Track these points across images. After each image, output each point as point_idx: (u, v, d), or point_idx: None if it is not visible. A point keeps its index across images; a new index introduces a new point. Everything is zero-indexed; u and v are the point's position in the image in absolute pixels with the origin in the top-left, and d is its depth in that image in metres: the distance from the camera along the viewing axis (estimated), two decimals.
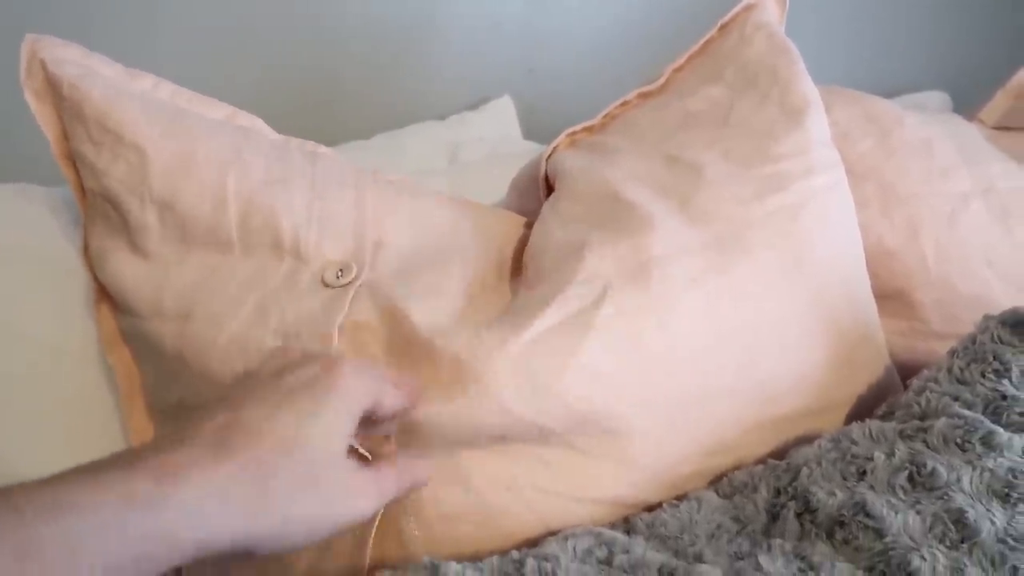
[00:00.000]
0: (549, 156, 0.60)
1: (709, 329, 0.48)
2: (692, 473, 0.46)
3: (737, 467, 0.47)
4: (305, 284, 0.46)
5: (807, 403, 0.50)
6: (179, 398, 0.47)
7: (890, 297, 0.64)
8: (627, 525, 0.42)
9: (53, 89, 0.49)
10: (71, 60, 0.50)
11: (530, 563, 0.36)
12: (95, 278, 0.51)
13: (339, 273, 0.46)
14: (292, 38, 0.87)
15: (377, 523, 0.42)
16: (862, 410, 0.52)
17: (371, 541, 0.41)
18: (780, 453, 0.48)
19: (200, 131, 0.51)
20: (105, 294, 0.51)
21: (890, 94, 1.22)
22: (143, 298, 0.47)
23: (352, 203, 0.50)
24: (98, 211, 0.50)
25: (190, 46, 0.81)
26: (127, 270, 0.48)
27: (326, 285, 0.45)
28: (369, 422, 0.37)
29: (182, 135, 0.50)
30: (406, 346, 0.42)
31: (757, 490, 0.43)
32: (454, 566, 0.35)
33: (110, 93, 0.49)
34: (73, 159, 0.50)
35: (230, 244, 0.48)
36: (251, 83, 0.84)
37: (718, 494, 0.44)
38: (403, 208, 0.52)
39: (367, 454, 0.36)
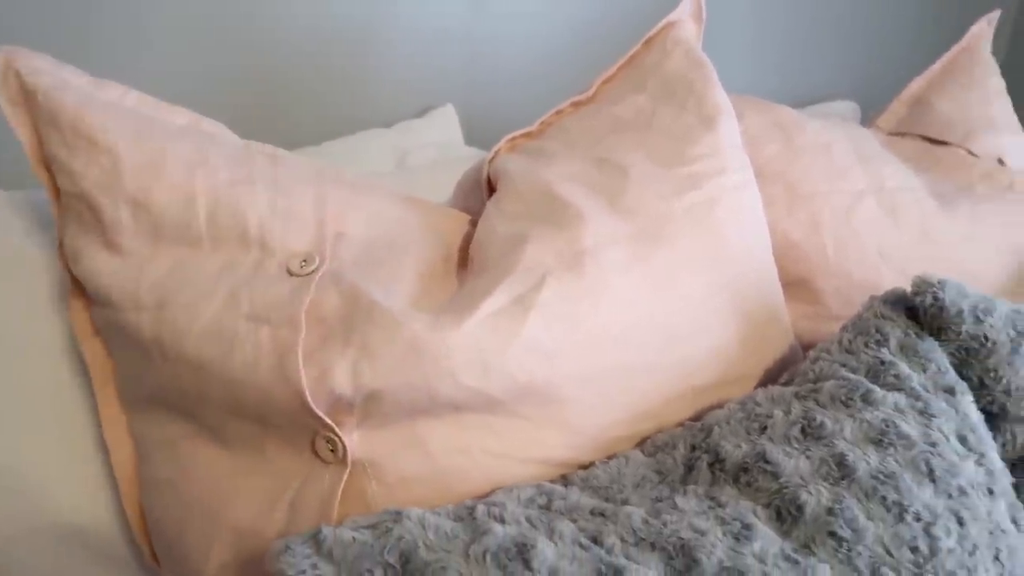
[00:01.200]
0: (491, 160, 0.66)
1: (635, 310, 0.54)
2: (622, 437, 0.53)
3: (660, 430, 0.54)
4: (272, 273, 0.50)
5: (721, 375, 0.57)
6: (156, 385, 0.51)
7: (795, 285, 0.72)
8: (565, 480, 0.48)
9: (28, 97, 0.53)
10: (45, 70, 0.53)
11: (480, 507, 0.41)
12: (69, 274, 0.54)
13: (303, 263, 0.50)
14: (239, 49, 0.90)
15: (343, 485, 0.47)
16: (769, 381, 0.60)
17: (337, 502, 0.46)
18: (697, 418, 0.55)
19: (167, 135, 0.55)
20: (79, 289, 0.55)
21: (803, 104, 1.33)
22: (119, 291, 0.51)
23: (313, 199, 0.54)
24: (72, 212, 0.53)
25: (134, 56, 0.84)
26: (102, 266, 0.52)
27: (291, 274, 0.50)
28: None
29: (151, 139, 0.54)
30: (368, 324, 0.47)
31: (676, 447, 0.50)
32: (415, 510, 0.40)
33: (82, 101, 0.53)
34: (47, 163, 0.53)
35: (200, 239, 0.52)
36: (198, 93, 0.88)
37: (643, 453, 0.51)
38: (360, 204, 0.57)
39: None
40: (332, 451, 0.47)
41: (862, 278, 0.72)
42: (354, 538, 0.37)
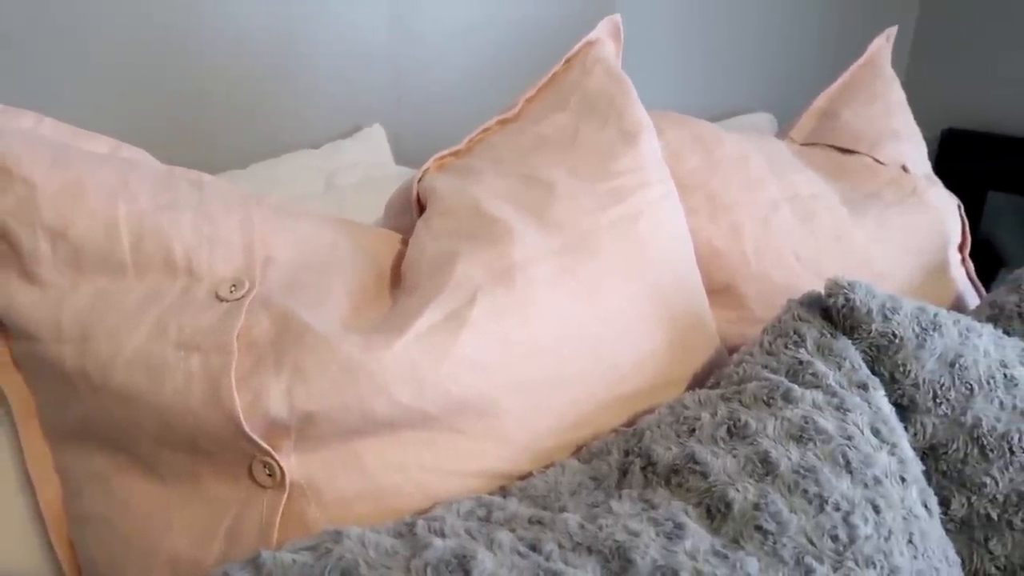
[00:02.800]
0: (420, 179, 0.67)
1: (565, 322, 0.56)
2: (558, 445, 0.54)
3: (595, 438, 0.55)
4: (201, 299, 0.50)
5: (651, 381, 0.59)
6: (83, 418, 0.50)
7: (720, 291, 0.75)
8: (503, 491, 0.49)
9: None
10: None
11: (420, 523, 0.42)
12: None
13: (232, 288, 0.50)
14: (162, 71, 0.89)
15: (281, 510, 0.46)
16: (697, 385, 0.62)
17: (277, 526, 0.46)
18: (630, 423, 0.56)
19: (86, 163, 0.54)
20: None
21: (723, 116, 1.38)
22: (40, 323, 0.50)
23: (239, 224, 0.54)
24: None
25: (55, 80, 0.82)
26: (22, 298, 0.50)
27: (221, 299, 0.50)
28: None
29: (69, 167, 0.53)
30: (301, 347, 0.47)
31: (610, 453, 0.51)
32: (355, 528, 0.40)
33: None
34: None
35: (124, 267, 0.51)
36: (121, 115, 0.86)
37: (579, 460, 0.52)
38: (288, 227, 0.57)
39: None
40: (270, 475, 0.47)
41: (781, 281, 0.75)
42: (294, 560, 0.37)
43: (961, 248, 0.91)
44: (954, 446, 0.57)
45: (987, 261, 1.44)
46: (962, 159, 1.59)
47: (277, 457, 0.46)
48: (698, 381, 0.62)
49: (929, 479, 0.57)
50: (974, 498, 0.56)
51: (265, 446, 0.46)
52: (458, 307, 0.52)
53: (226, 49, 0.92)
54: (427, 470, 0.50)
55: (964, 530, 0.57)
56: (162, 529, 0.48)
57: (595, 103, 0.69)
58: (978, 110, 1.61)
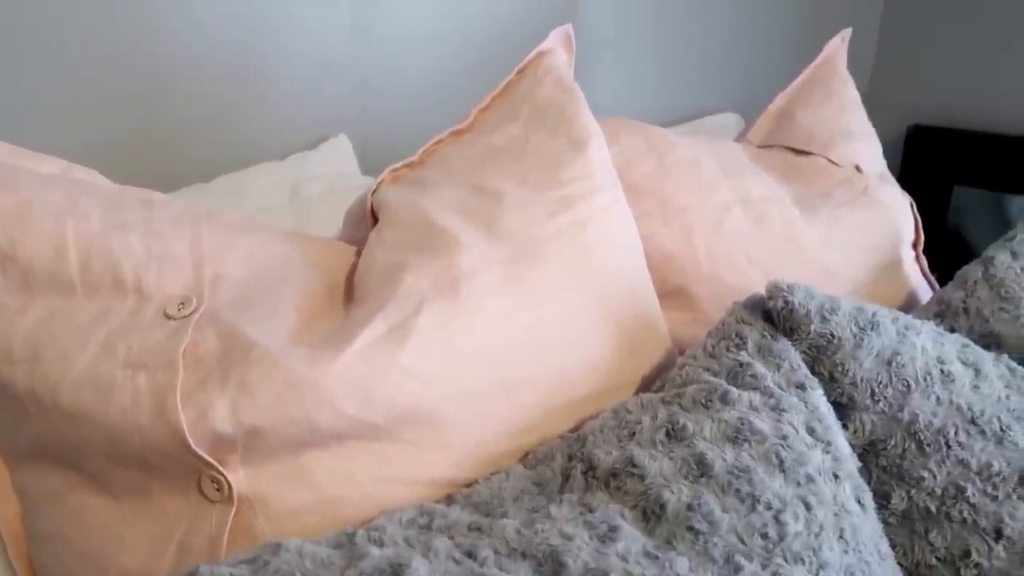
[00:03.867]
0: (374, 191, 0.68)
1: (510, 330, 0.57)
2: (504, 452, 0.55)
3: (542, 443, 0.56)
4: (149, 318, 0.51)
5: (599, 386, 0.61)
6: (36, 437, 0.51)
7: (673, 294, 0.76)
8: (449, 499, 0.50)
9: None
10: None
11: (360, 533, 0.43)
12: None
13: (180, 306, 0.51)
14: (124, 83, 0.89)
15: (231, 523, 0.47)
16: (647, 388, 0.63)
17: (225, 540, 0.47)
18: (577, 428, 0.57)
19: (34, 184, 0.55)
20: None
21: (691, 117, 1.40)
22: None
23: (189, 242, 0.55)
24: None
25: (16, 94, 0.83)
26: None
27: (169, 317, 0.51)
28: None
29: (18, 189, 0.53)
30: (246, 362, 0.48)
31: (554, 458, 0.52)
32: (294, 540, 0.41)
33: None
34: None
35: (72, 287, 0.52)
36: (83, 130, 0.86)
37: (525, 466, 0.53)
38: (238, 244, 0.58)
39: None
40: (218, 490, 0.48)
41: (734, 283, 0.77)
42: (231, 573, 0.38)
43: (915, 245, 0.92)
44: (892, 442, 0.58)
45: (954, 255, 1.47)
46: (928, 155, 1.61)
47: (224, 472, 0.47)
48: (648, 384, 0.63)
49: (869, 475, 0.59)
50: (913, 492, 0.58)
51: (212, 461, 0.47)
52: (403, 318, 0.53)
53: (189, 60, 0.93)
54: (375, 480, 0.51)
55: (905, 523, 0.58)
56: (115, 545, 0.49)
57: (545, 113, 0.71)
58: (943, 106, 1.63)
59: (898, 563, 0.58)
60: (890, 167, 1.64)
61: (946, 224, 1.57)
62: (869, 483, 0.59)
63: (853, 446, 0.58)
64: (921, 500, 0.58)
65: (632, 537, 0.44)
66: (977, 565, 0.57)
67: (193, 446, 0.46)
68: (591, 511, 0.46)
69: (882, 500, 0.58)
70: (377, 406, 0.50)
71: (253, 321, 0.52)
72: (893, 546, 0.58)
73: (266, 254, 0.59)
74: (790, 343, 0.59)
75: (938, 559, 0.57)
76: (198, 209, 0.59)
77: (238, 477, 0.48)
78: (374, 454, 0.51)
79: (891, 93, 1.68)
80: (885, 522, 0.58)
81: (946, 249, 1.45)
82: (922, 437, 0.58)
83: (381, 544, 0.42)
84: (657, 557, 0.43)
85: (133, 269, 0.53)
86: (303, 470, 0.49)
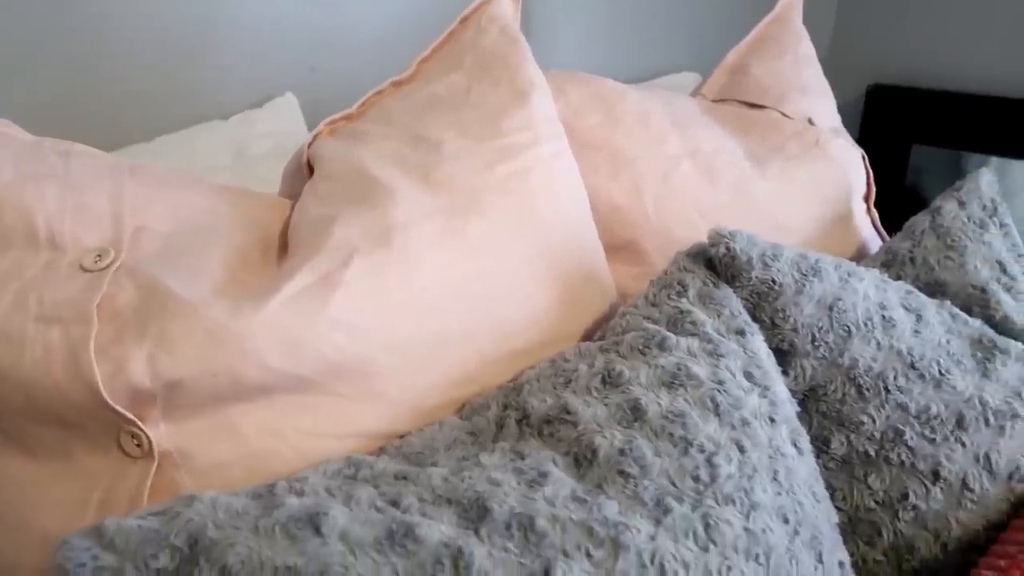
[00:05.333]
0: (311, 144, 0.66)
1: (447, 281, 0.55)
2: (442, 404, 0.54)
3: (482, 394, 0.55)
4: (64, 271, 0.48)
5: (540, 338, 0.59)
6: None
7: (623, 247, 0.75)
8: (381, 451, 0.49)
9: None
10: None
11: (281, 484, 0.42)
12: None
13: (97, 258, 0.49)
14: (59, 44, 0.86)
15: (151, 480, 0.46)
16: (590, 339, 0.62)
17: (146, 496, 0.45)
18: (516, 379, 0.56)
19: None
20: None
21: (651, 76, 1.37)
22: None
23: (108, 194, 0.53)
24: None
25: None
26: None
27: (85, 270, 0.49)
28: None
29: None
30: (164, 314, 0.46)
31: (489, 408, 0.51)
32: (210, 492, 0.40)
33: None
34: None
35: None
36: (16, 91, 0.83)
37: (460, 417, 0.52)
38: (163, 197, 0.55)
39: None
40: (138, 446, 0.46)
41: (683, 236, 0.75)
42: (139, 525, 0.37)
43: (866, 198, 0.92)
44: (832, 387, 0.58)
45: (912, 213, 1.47)
46: (888, 114, 1.61)
47: (143, 427, 0.46)
48: (589, 336, 0.62)
49: (810, 420, 0.59)
50: (853, 436, 0.58)
51: (130, 416, 0.45)
52: (332, 269, 0.51)
53: (130, 18, 0.89)
54: (305, 434, 0.49)
55: (845, 468, 0.58)
56: (35, 505, 0.47)
57: (489, 63, 0.69)
58: (903, 66, 1.63)
59: (838, 507, 0.58)
60: (850, 126, 1.64)
61: (905, 182, 1.57)
62: (809, 428, 0.58)
63: (794, 392, 0.58)
64: (860, 444, 0.58)
65: (561, 482, 0.43)
66: (915, 507, 0.57)
67: (109, 401, 0.45)
68: (522, 458, 0.45)
69: (822, 445, 0.58)
70: (305, 358, 0.49)
71: (175, 274, 0.50)
72: (833, 490, 0.58)
73: (194, 208, 0.57)
74: (732, 290, 0.58)
75: (877, 502, 0.58)
76: (121, 162, 0.57)
77: (159, 432, 0.46)
78: (304, 407, 0.49)
79: (851, 53, 1.67)
80: (825, 467, 0.58)
81: (904, 207, 1.45)
82: (862, 382, 0.58)
83: (301, 494, 0.41)
84: (585, 501, 0.42)
85: (47, 222, 0.50)
86: (228, 424, 0.47)
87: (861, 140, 1.64)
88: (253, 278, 0.54)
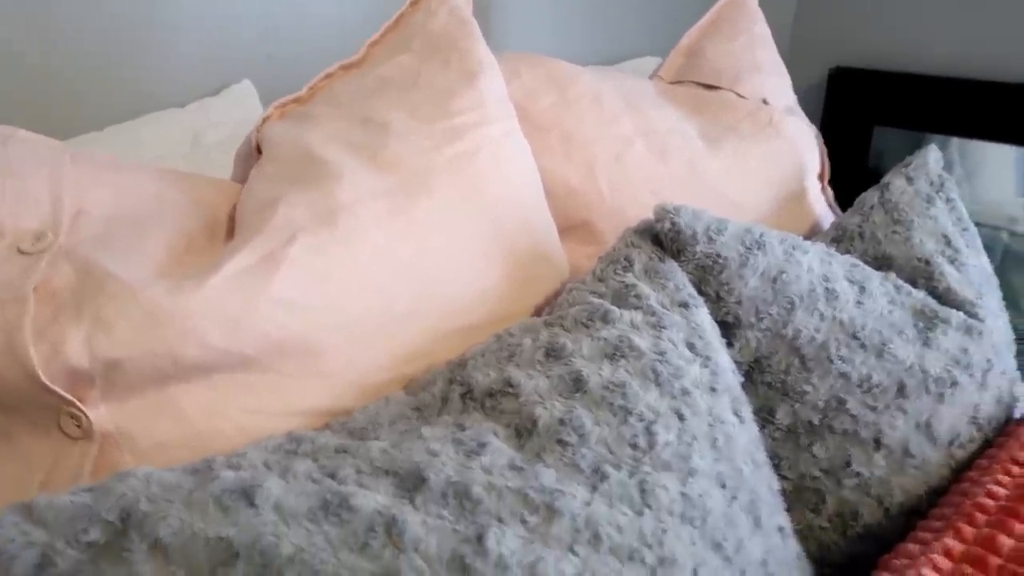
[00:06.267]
0: (260, 127, 0.66)
1: (394, 260, 0.56)
2: (389, 381, 0.54)
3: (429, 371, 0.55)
4: (1, 254, 0.48)
5: (491, 315, 0.60)
6: None
7: (578, 227, 0.76)
8: (324, 427, 0.49)
9: None
10: None
11: (219, 459, 0.42)
12: None
13: (35, 241, 0.49)
14: (10, 35, 0.85)
15: (93, 461, 0.46)
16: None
17: (87, 477, 0.45)
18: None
19: None
20: None
21: (612, 62, 1.38)
22: None
23: (48, 178, 0.52)
24: None
25: None
26: None
27: (22, 253, 0.48)
28: None
29: None
30: (101, 295, 0.46)
31: (435, 383, 0.52)
32: (145, 468, 0.40)
33: None
34: None
35: None
36: None
37: (406, 393, 0.52)
38: (105, 180, 0.55)
39: None
40: (78, 427, 0.46)
41: (636, 216, 0.76)
42: (71, 501, 0.37)
43: (821, 176, 0.93)
44: (777, 358, 0.59)
45: None
46: (850, 96, 1.63)
47: (84, 408, 0.46)
48: (540, 314, 0.63)
49: (755, 391, 0.60)
50: (797, 406, 0.59)
51: (69, 397, 0.45)
52: (275, 248, 0.51)
53: (78, 4, 0.88)
54: (249, 412, 0.49)
55: (789, 438, 0.59)
56: None
57: (438, 44, 0.69)
58: (865, 48, 1.65)
59: (783, 476, 0.59)
60: (813, 109, 1.66)
61: (867, 164, 1.59)
62: (755, 399, 0.59)
63: (739, 364, 0.59)
64: (804, 414, 0.59)
65: (500, 452, 0.43)
66: (858, 474, 0.58)
67: (46, 382, 0.44)
68: (463, 430, 0.46)
69: (767, 415, 0.59)
70: (246, 337, 0.49)
71: (116, 256, 0.50)
72: (778, 459, 0.59)
73: (138, 192, 0.57)
74: (677, 265, 0.59)
75: (821, 470, 0.59)
76: (62, 147, 0.57)
77: (99, 413, 0.46)
78: (246, 386, 0.49)
79: (813, 36, 1.69)
80: (771, 437, 0.59)
81: (867, 188, 1.48)
82: (805, 352, 0.59)
83: (238, 468, 0.41)
84: (523, 469, 0.42)
85: None
86: (169, 404, 0.47)
87: (824, 122, 1.66)
88: (199, 260, 0.54)
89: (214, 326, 0.48)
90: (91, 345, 0.45)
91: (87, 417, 0.46)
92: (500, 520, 0.39)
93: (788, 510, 0.58)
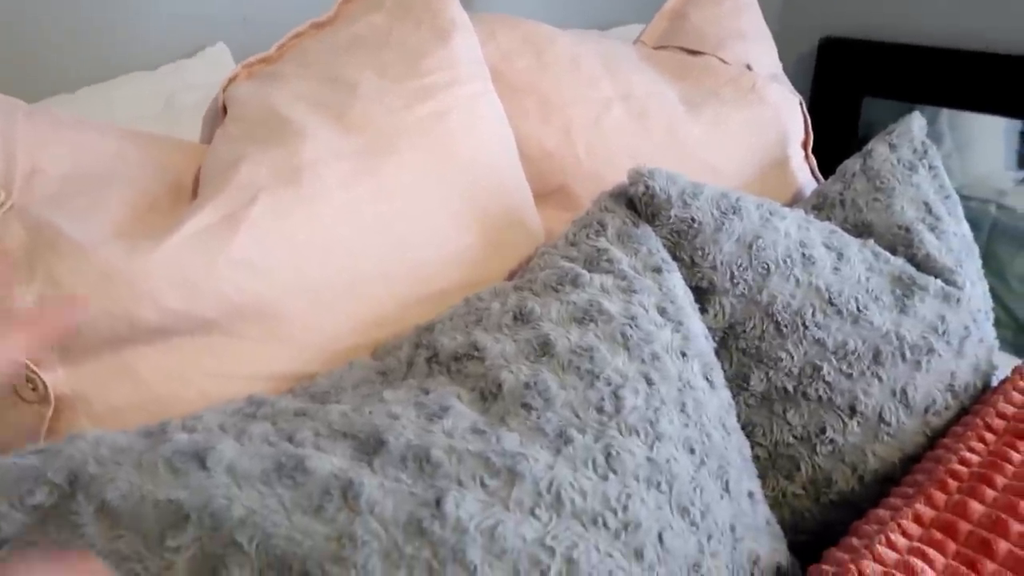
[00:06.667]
0: (226, 87, 0.64)
1: (358, 222, 0.54)
2: (357, 346, 0.53)
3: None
4: None
5: (462, 280, 0.59)
6: None
7: (555, 192, 0.74)
8: (289, 392, 0.48)
9: None
10: None
11: (174, 422, 0.41)
12: None
13: None
14: None
15: (47, 425, 0.45)
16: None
17: (42, 440, 0.44)
18: None
19: None
20: None
21: (599, 28, 1.35)
22: None
23: (1, 136, 0.51)
24: None
25: None
26: None
27: None
28: None
29: None
30: (53, 255, 0.45)
31: (401, 348, 0.51)
32: (95, 431, 0.39)
33: None
34: None
35: None
36: None
37: (373, 358, 0.52)
38: (62, 139, 0.53)
39: None
40: (33, 390, 0.45)
41: (614, 180, 0.74)
42: (15, 463, 0.36)
43: (804, 144, 0.92)
44: (751, 324, 0.58)
45: None
46: (840, 66, 1.61)
47: (38, 370, 0.44)
48: (513, 278, 0.62)
49: (730, 358, 0.59)
50: (771, 373, 0.58)
51: (23, 360, 0.44)
52: (236, 208, 0.50)
53: None
54: (210, 376, 0.48)
55: (764, 404, 0.59)
56: None
57: (410, 4, 0.67)
58: (855, 18, 1.63)
59: (758, 443, 0.59)
60: (803, 79, 1.63)
61: (857, 135, 1.58)
62: (729, 366, 0.59)
63: (713, 330, 0.58)
64: (779, 380, 0.58)
65: (462, 415, 0.43)
66: (832, 441, 0.58)
67: None
68: (426, 394, 0.45)
69: (742, 382, 0.59)
70: (206, 299, 0.47)
71: (71, 216, 0.48)
72: (753, 426, 0.59)
73: (98, 151, 0.55)
74: (651, 229, 0.58)
75: (795, 437, 0.58)
76: (17, 103, 0.55)
77: (56, 376, 0.45)
78: (207, 350, 0.48)
79: (804, 6, 1.66)
80: (745, 403, 0.59)
81: None
82: (780, 318, 0.58)
83: (192, 431, 0.40)
84: (485, 433, 0.41)
85: None
86: (127, 367, 0.46)
87: (814, 92, 1.64)
88: (160, 222, 0.53)
89: (171, 288, 0.46)
90: (43, 305, 0.44)
91: (42, 380, 0.45)
92: (460, 483, 0.38)
93: (762, 477, 0.58)
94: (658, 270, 0.55)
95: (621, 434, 0.44)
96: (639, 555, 0.39)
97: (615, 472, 0.42)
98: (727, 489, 0.47)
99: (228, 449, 0.37)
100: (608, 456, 0.42)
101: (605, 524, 0.40)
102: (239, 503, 0.35)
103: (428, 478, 0.38)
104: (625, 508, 0.41)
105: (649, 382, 0.47)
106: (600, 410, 0.44)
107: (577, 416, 0.44)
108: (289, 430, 0.41)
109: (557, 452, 0.42)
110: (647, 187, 0.57)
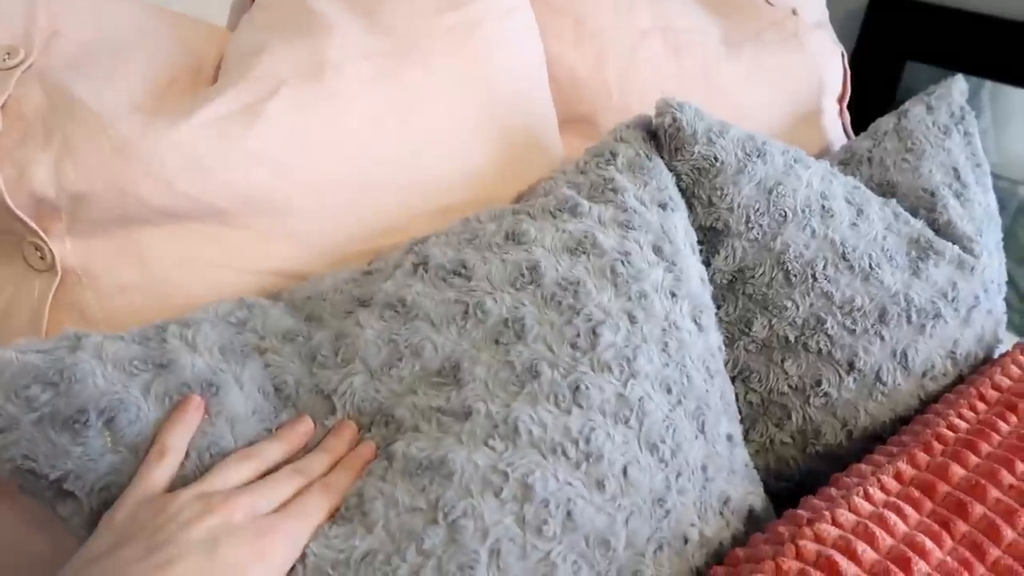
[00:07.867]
0: None
1: (376, 127, 0.52)
2: (362, 252, 0.52)
3: None
4: None
5: (474, 196, 0.57)
6: None
7: (579, 120, 0.72)
8: (278, 297, 0.48)
9: None
10: None
11: (172, 327, 0.41)
12: None
13: (6, 56, 0.46)
14: None
15: (52, 296, 0.45)
16: None
17: (47, 314, 0.45)
18: None
19: None
20: None
21: None
22: None
23: None
24: None
25: None
26: None
27: None
28: None
29: None
30: (71, 122, 0.44)
31: (393, 254, 0.50)
32: (95, 336, 0.39)
33: None
34: None
35: None
36: None
37: (367, 264, 0.51)
38: (84, 4, 0.52)
39: None
40: (41, 258, 0.45)
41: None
42: (17, 357, 0.36)
43: (840, 99, 0.89)
44: (761, 270, 0.57)
45: None
46: (886, 26, 1.55)
47: (47, 239, 0.44)
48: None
49: (736, 301, 0.58)
50: (775, 321, 0.57)
51: (32, 225, 0.44)
52: (256, 99, 0.48)
53: None
54: (215, 266, 0.48)
55: (763, 351, 0.58)
56: None
57: None
58: None
59: (752, 389, 0.58)
60: (848, 36, 1.57)
61: (895, 99, 1.53)
62: (734, 310, 0.58)
63: (723, 272, 0.57)
64: (782, 329, 0.57)
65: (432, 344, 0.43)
66: (826, 394, 0.57)
67: (11, 206, 0.43)
68: (404, 305, 0.45)
69: (744, 327, 0.58)
70: (217, 187, 0.47)
71: (90, 83, 0.47)
72: (749, 372, 0.58)
73: (121, 19, 0.53)
74: (664, 163, 0.56)
75: (790, 387, 0.58)
76: None
77: (64, 247, 0.45)
78: (214, 238, 0.48)
79: None
80: (745, 349, 0.58)
81: None
82: (790, 267, 0.57)
83: (195, 349, 0.40)
84: (444, 384, 0.42)
85: None
86: (135, 246, 0.46)
87: (857, 51, 1.58)
88: (179, 100, 0.52)
89: (183, 170, 0.46)
90: (58, 174, 0.43)
91: (50, 250, 0.44)
92: (416, 429, 0.39)
93: (752, 422, 0.58)
94: (664, 206, 0.53)
95: (593, 370, 0.43)
96: (600, 485, 0.39)
97: (580, 406, 0.41)
98: (703, 430, 0.47)
99: (236, 402, 0.39)
100: (575, 391, 0.42)
101: (565, 454, 0.40)
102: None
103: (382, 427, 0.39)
104: (588, 440, 0.41)
105: (632, 319, 0.46)
106: (574, 346, 0.43)
107: (551, 351, 0.43)
108: (280, 364, 0.42)
109: (521, 387, 0.42)
110: (674, 119, 0.55)
